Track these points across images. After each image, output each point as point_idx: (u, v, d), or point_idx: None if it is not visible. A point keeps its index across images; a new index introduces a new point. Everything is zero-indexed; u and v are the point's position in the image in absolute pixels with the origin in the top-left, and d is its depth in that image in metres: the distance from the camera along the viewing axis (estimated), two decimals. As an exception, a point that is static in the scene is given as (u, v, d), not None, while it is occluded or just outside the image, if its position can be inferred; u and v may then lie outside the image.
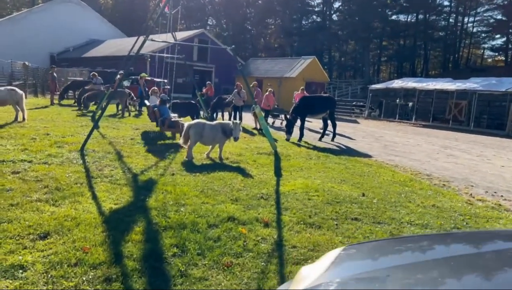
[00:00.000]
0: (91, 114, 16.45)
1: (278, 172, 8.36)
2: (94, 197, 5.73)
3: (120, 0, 69.79)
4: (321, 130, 14.48)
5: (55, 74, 20.46)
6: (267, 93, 19.48)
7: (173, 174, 7.48)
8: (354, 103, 31.54)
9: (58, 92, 20.95)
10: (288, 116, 13.39)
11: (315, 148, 12.51)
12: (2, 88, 12.56)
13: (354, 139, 15.91)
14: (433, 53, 60.81)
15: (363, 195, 6.85)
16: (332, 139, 14.40)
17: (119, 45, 43.52)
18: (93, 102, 17.26)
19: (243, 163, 9.12)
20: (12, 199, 5.36)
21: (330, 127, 14.60)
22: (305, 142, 13.47)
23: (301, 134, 13.69)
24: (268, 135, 10.64)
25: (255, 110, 10.90)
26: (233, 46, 11.83)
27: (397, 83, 28.40)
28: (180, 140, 9.20)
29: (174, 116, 12.13)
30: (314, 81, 31.61)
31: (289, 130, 13.29)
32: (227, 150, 10.21)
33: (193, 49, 36.45)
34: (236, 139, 9.33)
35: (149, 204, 5.60)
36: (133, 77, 29.49)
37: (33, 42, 45.03)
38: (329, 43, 60.73)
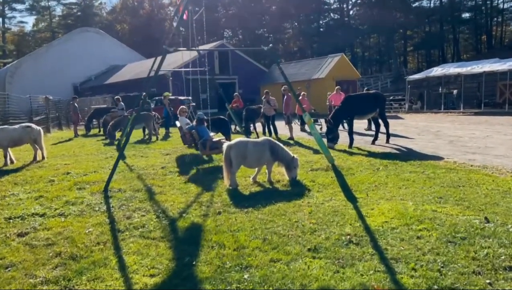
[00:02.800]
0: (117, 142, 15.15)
1: (349, 194, 6.57)
2: (122, 267, 4.12)
3: (136, 24, 69.97)
4: (369, 132, 12.58)
5: (76, 104, 19.42)
6: (300, 97, 17.76)
7: (219, 213, 5.83)
8: (391, 97, 29.32)
9: (82, 123, 19.88)
10: (328, 121, 11.52)
11: (372, 154, 10.63)
12: (17, 126, 11.31)
13: (411, 138, 13.90)
14: (462, 36, 57.60)
15: (486, 220, 4.96)
16: (387, 141, 12.47)
17: (139, 67, 42.91)
18: (119, 130, 15.97)
19: (299, 184, 7.38)
20: (9, 284, 3.82)
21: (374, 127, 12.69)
22: (357, 148, 11.62)
23: (351, 140, 11.83)
24: (322, 146, 8.88)
25: (304, 118, 9.17)
26: (270, 45, 10.10)
27: (437, 71, 26.08)
28: (223, 166, 7.57)
29: (213, 134, 10.58)
30: (345, 80, 29.63)
31: (332, 137, 11.40)
32: (274, 169, 8.52)
33: (214, 62, 35.18)
34: (293, 178, 7.67)
35: (199, 270, 3.94)
36: (156, 98, 28.42)
37: (55, 75, 45.03)
38: (350, 39, 58.42)
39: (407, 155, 10.34)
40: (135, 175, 8.78)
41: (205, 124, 9.87)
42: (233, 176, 7.44)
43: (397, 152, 11.01)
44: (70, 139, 17.77)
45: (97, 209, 6.26)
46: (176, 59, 37.29)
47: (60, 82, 45.34)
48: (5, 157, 10.64)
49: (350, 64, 31.19)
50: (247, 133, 15.06)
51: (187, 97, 28.20)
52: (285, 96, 15.02)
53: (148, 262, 4.21)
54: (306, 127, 17.08)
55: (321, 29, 62.72)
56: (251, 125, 15.73)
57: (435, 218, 5.08)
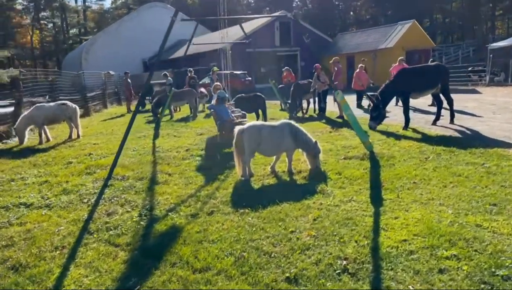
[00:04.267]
0: (165, 120, 14.82)
1: (376, 193, 5.33)
2: (58, 285, 3.43)
3: (205, -3, 69.89)
4: (432, 108, 10.81)
5: (129, 80, 19.42)
6: (357, 70, 16.08)
7: (211, 212, 4.95)
8: (470, 69, 26.03)
9: (135, 99, 19.98)
10: (374, 96, 9.96)
11: (428, 138, 9.03)
12: (52, 103, 11.28)
13: (482, 117, 11.87)
14: None
15: (551, 247, 3.56)
16: (451, 121, 10.67)
17: (202, 41, 42.80)
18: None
19: (321, 177, 6.24)
20: None
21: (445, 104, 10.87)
22: (412, 129, 10.03)
23: (407, 121, 10.22)
24: (358, 131, 7.55)
25: (336, 97, 7.83)
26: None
27: (527, 37, 22.49)
28: (234, 152, 6.65)
29: (237, 116, 9.63)
30: (417, 49, 26.80)
31: (376, 116, 9.87)
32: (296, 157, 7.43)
33: (274, 33, 33.77)
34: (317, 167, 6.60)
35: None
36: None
37: (126, 50, 46.52)
38: (429, 4, 53.16)
39: (471, 140, 8.62)
40: (152, 159, 8.17)
41: (226, 103, 8.91)
42: (245, 165, 6.48)
43: (460, 135, 9.27)
44: (122, 116, 17.87)
45: (86, 200, 5.69)
46: (237, 32, 36.44)
47: (130, 57, 46.87)
48: (40, 135, 10.64)
49: (423, 32, 28.08)
50: (292, 111, 13.89)
51: (243, 72, 27.38)
52: (335, 69, 13.49)
53: (91, 280, 3.48)
54: (364, 102, 15.47)
55: (397, -6, 57.85)
56: (298, 102, 14.50)
57: (476, 238, 3.75)
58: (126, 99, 19.39)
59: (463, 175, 6.01)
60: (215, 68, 18.80)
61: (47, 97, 18.39)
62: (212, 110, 9.10)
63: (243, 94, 12.66)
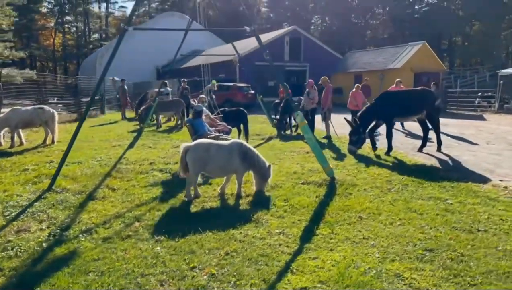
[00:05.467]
0: (151, 129, 14.60)
1: (311, 228, 4.87)
2: None
3: (226, 9, 70.46)
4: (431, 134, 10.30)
5: (125, 87, 19.35)
6: (353, 90, 15.58)
7: (126, 237, 4.55)
8: (479, 94, 25.22)
9: (131, 106, 19.88)
10: (353, 120, 9.56)
11: (404, 166, 8.52)
12: (29, 107, 11.15)
13: (475, 145, 11.27)
14: None
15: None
16: (439, 149, 10.11)
17: (214, 52, 42.98)
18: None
19: (264, 203, 5.80)
20: None
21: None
22: (394, 157, 9.49)
23: (390, 146, 9.70)
24: (318, 156, 7.09)
25: (296, 118, 7.32)
26: (255, 25, 8.31)
27: (540, 65, 21.64)
28: (179, 170, 6.28)
29: (218, 130, 9.26)
30: (426, 72, 26.14)
31: (356, 140, 9.44)
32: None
33: (284, 48, 33.55)
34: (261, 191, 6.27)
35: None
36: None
37: (140, 57, 46.95)
38: (448, 26, 52.35)
39: (449, 171, 8.07)
40: (108, 171, 7.85)
41: (203, 117, 8.54)
42: (189, 186, 6.11)
43: (440, 165, 8.71)
44: (115, 122, 17.75)
45: (7, 213, 5.38)
46: (247, 45, 36.41)
47: (144, 64, 47.28)
48: (12, 138, 10.49)
49: (434, 54, 27.41)
50: (281, 128, 13.49)
51: (246, 85, 27.12)
52: (325, 89, 13.03)
53: None
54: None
55: (416, 16, 57.24)
56: (288, 119, 14.08)
57: (384, 294, 3.27)
58: (122, 106, 19.27)
59: (418, 211, 5.51)
60: (214, 82, 18.56)
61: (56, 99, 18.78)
62: (188, 124, 8.77)
63: (225, 108, 12.35)
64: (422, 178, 7.28)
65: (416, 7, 58.87)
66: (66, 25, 72.68)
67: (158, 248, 4.24)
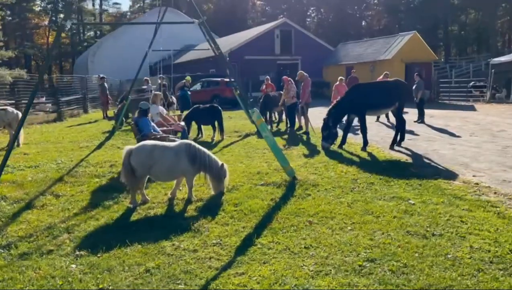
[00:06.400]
0: (128, 128, 14.20)
1: (251, 237, 4.47)
2: None
3: (221, 4, 69.74)
4: (418, 127, 9.87)
5: (105, 84, 18.91)
6: (336, 83, 15.16)
7: (48, 252, 4.18)
8: (471, 84, 24.74)
9: (112, 104, 19.47)
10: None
11: (375, 163, 8.15)
12: (-6, 109, 10.77)
13: (458, 137, 10.88)
14: None
15: None
16: (399, 144, 9.67)
17: (207, 46, 42.42)
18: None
19: (216, 209, 5.42)
20: None
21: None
22: (370, 152, 9.08)
23: (365, 141, 9.26)
24: (278, 155, 6.70)
25: (252, 116, 6.84)
26: (204, 17, 7.83)
27: (531, 52, 21.13)
28: (121, 176, 5.88)
29: (166, 130, 8.83)
30: (416, 62, 25.58)
31: (327, 136, 9.12)
32: (237, 170, 6.66)
33: (274, 41, 33.01)
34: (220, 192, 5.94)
35: None
36: (203, 80, 27.33)
37: (132, 54, 46.25)
38: (444, 15, 51.65)
39: (422, 167, 7.69)
40: (60, 175, 7.46)
41: (149, 116, 8.12)
42: (134, 192, 5.73)
43: (413, 161, 8.31)
44: (95, 122, 17.35)
45: None
46: (237, 39, 35.86)
47: (136, 61, 46.62)
48: (-25, 141, 10.11)
49: (425, 44, 26.82)
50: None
51: (231, 79, 26.52)
52: (302, 83, 12.58)
53: None
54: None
55: (411, 5, 56.47)
56: (268, 114, 13.67)
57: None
58: (102, 105, 18.85)
59: (375, 213, 5.13)
60: (188, 78, 18.12)
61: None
62: (132, 123, 8.34)
63: (200, 105, 11.95)
64: (391, 175, 6.89)
65: (411, -4, 58.15)
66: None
67: (74, 265, 3.86)
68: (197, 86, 26.05)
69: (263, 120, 6.82)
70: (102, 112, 18.54)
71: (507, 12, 50.15)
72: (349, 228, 4.68)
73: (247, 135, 12.24)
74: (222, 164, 5.96)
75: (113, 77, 35.00)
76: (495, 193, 5.91)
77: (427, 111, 16.75)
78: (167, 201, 5.92)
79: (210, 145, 10.92)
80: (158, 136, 7.68)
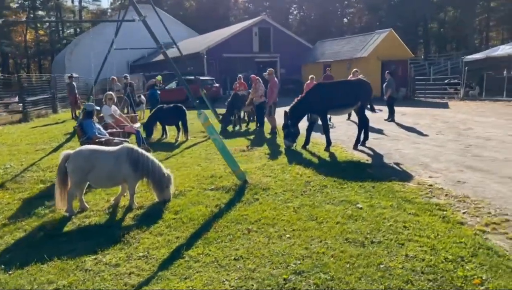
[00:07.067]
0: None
1: (180, 249, 4.23)
2: None
3: (203, 1, 69.01)
4: (386, 127, 9.70)
5: (74, 84, 18.41)
6: (308, 81, 14.97)
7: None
8: (446, 81, 24.87)
9: (81, 104, 18.93)
10: (284, 113, 9.08)
11: (334, 164, 7.98)
12: None
13: (425, 136, 10.82)
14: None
15: None
16: (363, 144, 9.54)
17: (187, 44, 41.96)
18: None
19: (155, 217, 5.16)
20: None
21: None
22: (332, 153, 8.91)
23: (328, 141, 9.09)
24: (227, 159, 6.46)
25: (198, 117, 6.49)
26: (145, 15, 7.55)
27: (503, 50, 21.30)
28: (56, 181, 5.58)
29: (114, 132, 8.50)
30: (393, 60, 25.63)
31: (287, 134, 9.01)
32: (192, 173, 6.42)
33: (252, 39, 32.73)
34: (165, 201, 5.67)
35: None
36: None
37: (111, 52, 45.60)
38: (423, 13, 52.02)
39: (380, 168, 7.55)
40: (4, 181, 7.11)
41: (94, 117, 7.78)
42: (71, 199, 5.44)
43: (373, 161, 8.17)
44: (62, 122, 16.87)
45: None
46: (215, 36, 35.46)
47: (115, 59, 45.81)
48: None
49: (401, 42, 26.87)
50: (225, 123, 12.82)
51: (210, 78, 26.23)
52: (270, 82, 12.33)
53: None
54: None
55: (392, 2, 56.76)
56: (237, 114, 13.42)
57: None
58: (70, 105, 18.34)
59: (319, 219, 4.94)
60: (159, 77, 17.76)
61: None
62: (76, 126, 8.00)
63: (163, 105, 11.66)
64: (346, 177, 6.71)
65: (391, -6, 58.45)
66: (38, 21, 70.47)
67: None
68: (173, 85, 25.61)
69: (210, 122, 6.54)
70: (71, 112, 18.05)
71: (485, 10, 50.82)
72: (288, 236, 4.47)
73: (213, 135, 11.95)
74: (167, 173, 5.68)
75: (89, 76, 34.30)
76: (446, 195, 5.79)
77: (400, 109, 16.75)
78: (108, 208, 5.64)
79: (173, 146, 10.66)
80: (103, 139, 7.37)
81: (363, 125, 9.38)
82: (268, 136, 11.71)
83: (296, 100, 9.05)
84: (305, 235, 4.46)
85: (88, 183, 5.64)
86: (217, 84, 25.46)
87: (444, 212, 5.04)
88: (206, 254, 4.06)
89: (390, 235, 4.39)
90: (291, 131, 8.86)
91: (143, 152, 5.68)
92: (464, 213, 5.07)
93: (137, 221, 5.14)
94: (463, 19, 49.98)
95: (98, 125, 7.70)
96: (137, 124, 10.89)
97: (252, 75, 12.88)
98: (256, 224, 4.83)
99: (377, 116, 15.01)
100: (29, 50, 67.50)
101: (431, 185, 6.27)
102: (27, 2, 66.79)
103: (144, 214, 5.35)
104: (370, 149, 9.34)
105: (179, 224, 4.90)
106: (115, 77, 17.53)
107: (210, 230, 4.67)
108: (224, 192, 6.13)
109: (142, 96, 16.83)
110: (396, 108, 14.69)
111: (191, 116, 17.52)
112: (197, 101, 12.07)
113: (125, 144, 5.90)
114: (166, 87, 25.75)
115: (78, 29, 73.72)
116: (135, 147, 5.72)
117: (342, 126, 13.16)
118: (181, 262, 3.90)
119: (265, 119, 12.68)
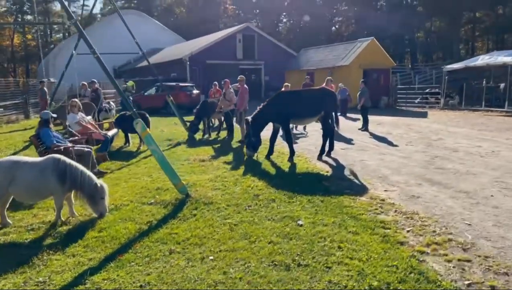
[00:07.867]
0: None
1: (86, 273, 3.85)
2: None
3: (192, 7, 68.81)
4: (359, 136, 9.41)
5: (45, 89, 17.93)
6: (282, 89, 14.66)
7: None
8: (427, 90, 24.79)
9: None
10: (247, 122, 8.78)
11: (291, 175, 7.64)
12: None
13: (394, 146, 10.55)
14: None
15: None
16: (328, 154, 9.24)
17: (172, 50, 41.66)
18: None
19: (77, 236, 4.77)
20: None
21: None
22: (294, 163, 8.57)
23: (291, 151, 8.77)
24: (167, 171, 6.08)
25: (135, 126, 6.14)
26: (76, 19, 7.26)
27: (482, 60, 21.22)
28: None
29: (74, 140, 8.10)
30: (375, 68, 25.50)
31: (248, 143, 8.72)
32: (138, 185, 6.02)
33: (236, 46, 32.47)
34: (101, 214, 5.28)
35: None
36: (158, 84, 26.48)
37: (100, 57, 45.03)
38: (409, 22, 52.30)
39: (338, 180, 7.22)
40: None
41: (51, 126, 7.40)
42: (-4, 212, 5.03)
43: (333, 173, 7.84)
44: (32, 128, 16.33)
45: None
46: (197, 44, 35.14)
47: (104, 63, 45.33)
48: None
49: (383, 51, 26.75)
50: (193, 131, 12.44)
51: (190, 84, 25.85)
52: (240, 89, 12.01)
53: None
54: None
55: (378, 12, 57.08)
56: (207, 122, 13.05)
57: None
58: (41, 110, 17.82)
59: (253, 237, 4.58)
60: (131, 83, 17.37)
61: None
62: (32, 136, 7.60)
63: (126, 112, 11.25)
64: (298, 190, 6.37)
65: (379, 3, 58.86)
66: (26, 25, 69.88)
67: None
68: (152, 91, 25.23)
69: (148, 132, 6.16)
70: (41, 118, 17.51)
71: (470, 20, 51.26)
72: (211, 257, 4.10)
73: (178, 144, 11.60)
74: (99, 184, 5.29)
75: (72, 81, 33.81)
76: (396, 211, 5.47)
77: (378, 118, 16.56)
78: (31, 224, 5.22)
79: (132, 155, 10.26)
80: (62, 148, 6.97)
81: (328, 136, 9.08)
82: (236, 145, 11.36)
83: (258, 109, 8.73)
84: (230, 257, 4.09)
85: (12, 196, 5.24)
86: (197, 91, 25.10)
87: (387, 231, 4.72)
88: (112, 280, 3.67)
89: (321, 256, 4.04)
90: (252, 141, 8.54)
91: (72, 162, 5.28)
92: (408, 231, 4.75)
93: (57, 238, 4.74)
94: (449, 29, 50.34)
95: (56, 134, 7.31)
96: (114, 131, 10.52)
97: (226, 79, 12.54)
98: (183, 244, 4.46)
99: (350, 126, 14.80)
100: (16, 54, 66.84)
101: (383, 200, 5.96)
102: (15, 7, 66.26)
103: (68, 231, 4.94)
104: (334, 159, 9.04)
105: (98, 244, 4.51)
106: (85, 83, 17.07)
107: (128, 251, 4.29)
108: (162, 206, 5.75)
109: (112, 103, 16.38)
110: (374, 118, 14.48)
111: (164, 123, 17.28)
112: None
113: (52, 155, 5.48)
114: (146, 94, 25.33)
115: (67, 34, 73.06)
116: (62, 157, 5.31)
117: (315, 135, 12.85)
118: (80, 289, 3.51)
119: (235, 126, 12.38)
